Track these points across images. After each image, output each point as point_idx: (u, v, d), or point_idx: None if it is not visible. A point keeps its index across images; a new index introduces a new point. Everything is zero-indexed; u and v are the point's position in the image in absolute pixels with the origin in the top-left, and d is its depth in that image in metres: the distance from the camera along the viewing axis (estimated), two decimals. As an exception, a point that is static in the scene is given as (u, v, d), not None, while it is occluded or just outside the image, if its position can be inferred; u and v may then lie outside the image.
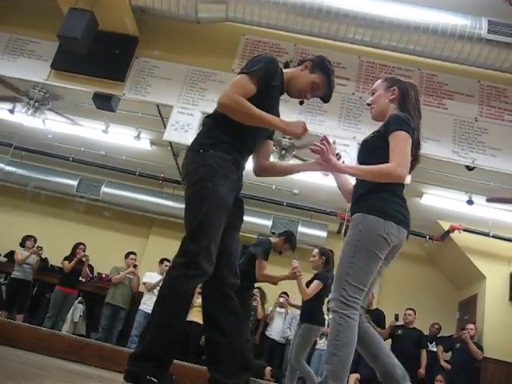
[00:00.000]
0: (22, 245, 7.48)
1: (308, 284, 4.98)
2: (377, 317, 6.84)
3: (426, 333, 7.15)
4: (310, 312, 4.86)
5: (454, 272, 8.46)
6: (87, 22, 5.07)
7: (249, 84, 2.45)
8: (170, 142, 6.24)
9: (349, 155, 5.05)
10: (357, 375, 6.24)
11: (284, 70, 2.72)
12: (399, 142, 2.35)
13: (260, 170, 2.75)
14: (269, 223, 8.15)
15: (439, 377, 6.24)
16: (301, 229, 8.08)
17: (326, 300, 4.69)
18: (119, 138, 7.19)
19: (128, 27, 5.47)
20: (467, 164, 5.18)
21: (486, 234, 7.17)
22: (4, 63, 5.64)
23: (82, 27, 5.01)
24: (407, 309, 6.93)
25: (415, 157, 2.51)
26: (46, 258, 8.06)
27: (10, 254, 8.08)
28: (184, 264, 2.29)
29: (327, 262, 4.98)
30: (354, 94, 5.34)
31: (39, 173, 8.53)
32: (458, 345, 6.71)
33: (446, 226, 7.58)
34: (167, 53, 5.55)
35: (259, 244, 5.11)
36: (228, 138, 2.47)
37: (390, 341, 6.87)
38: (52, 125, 7.23)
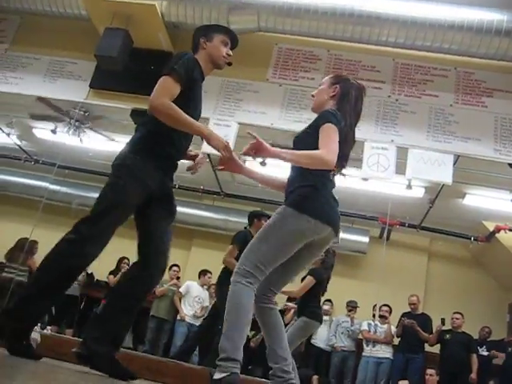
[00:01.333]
0: (69, 261, 7.64)
1: (302, 280, 5.04)
2: (423, 321, 6.71)
3: (476, 337, 6.97)
4: (304, 306, 4.95)
5: (501, 273, 8.23)
6: (122, 40, 5.19)
7: (173, 84, 2.60)
8: (209, 154, 6.29)
9: (387, 158, 5.00)
10: (406, 382, 6.14)
11: (197, 58, 2.82)
12: (327, 132, 2.44)
13: None
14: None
15: (491, 382, 6.07)
16: (342, 235, 8.01)
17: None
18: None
19: (162, 43, 5.56)
20: (510, 162, 5.05)
21: (534, 233, 6.98)
22: (45, 85, 5.80)
23: (117, 46, 5.12)
24: (454, 312, 6.77)
25: (346, 155, 2.59)
26: (91, 274, 8.21)
27: (57, 271, 8.27)
28: (71, 241, 2.55)
29: (325, 259, 5.05)
30: (389, 96, 5.28)
31: (82, 190, 8.72)
32: (510, 349, 6.52)
33: (491, 226, 7.40)
34: (201, 66, 5.61)
35: (234, 236, 5.47)
36: (154, 144, 2.65)
37: (438, 346, 6.74)
38: (92, 143, 7.40)
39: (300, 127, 5.34)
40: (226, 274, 5.13)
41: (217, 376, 2.16)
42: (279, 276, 2.51)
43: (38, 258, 8.30)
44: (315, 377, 6.56)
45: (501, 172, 5.69)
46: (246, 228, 5.53)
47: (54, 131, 7.12)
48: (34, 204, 7.45)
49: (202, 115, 5.45)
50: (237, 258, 4.93)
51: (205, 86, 5.54)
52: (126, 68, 5.33)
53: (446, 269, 8.56)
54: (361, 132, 5.20)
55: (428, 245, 8.70)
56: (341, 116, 2.53)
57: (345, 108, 2.58)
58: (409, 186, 6.46)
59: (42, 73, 5.84)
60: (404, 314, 6.84)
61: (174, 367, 3.71)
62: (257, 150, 2.42)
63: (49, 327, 6.24)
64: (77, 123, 6.71)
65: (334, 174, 2.56)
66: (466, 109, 5.14)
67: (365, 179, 5.43)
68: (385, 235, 7.18)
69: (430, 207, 7.06)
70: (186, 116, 2.54)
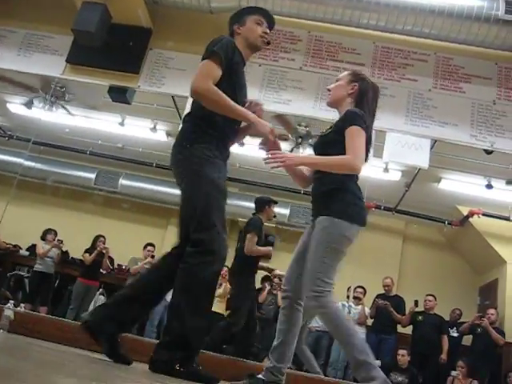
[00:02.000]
0: (43, 238, 7.57)
1: None
2: (397, 303, 6.82)
3: (447, 318, 7.11)
4: None
5: (474, 257, 8.39)
6: (100, 15, 5.10)
7: (214, 68, 2.51)
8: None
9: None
10: (378, 362, 6.24)
11: (236, 43, 2.73)
12: (354, 136, 2.48)
13: None
14: (286, 212, 8.16)
15: (460, 362, 6.20)
16: (318, 217, 8.08)
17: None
18: (135, 130, 7.23)
19: (141, 19, 5.47)
20: (486, 148, 5.12)
21: (506, 219, 7.09)
22: (20, 59, 5.68)
23: (95, 20, 5.03)
24: (427, 295, 6.89)
25: (366, 153, 2.61)
26: (66, 251, 8.15)
27: (32, 248, 8.20)
28: (199, 252, 2.36)
29: None
30: (369, 79, 5.29)
31: (58, 167, 8.62)
32: (479, 330, 6.66)
33: (464, 210, 7.51)
34: (181, 44, 5.55)
35: (248, 223, 5.24)
36: (209, 129, 2.54)
37: (410, 327, 6.86)
38: (69, 119, 7.29)
39: (279, 108, 5.39)
40: (242, 262, 5.05)
41: None
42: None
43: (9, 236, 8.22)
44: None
45: (476, 157, 5.77)
46: (254, 214, 5.38)
47: (28, 106, 6.99)
48: (7, 180, 7.35)
49: (181, 93, 5.47)
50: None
51: (184, 63, 5.54)
52: (104, 44, 5.24)
53: (420, 252, 8.69)
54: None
55: (403, 228, 8.81)
56: (365, 116, 2.56)
57: (363, 107, 2.61)
58: (386, 170, 6.53)
59: (17, 46, 5.72)
60: (378, 296, 6.94)
61: (150, 346, 3.72)
62: (282, 163, 2.47)
63: (22, 304, 6.19)
64: (52, 98, 6.59)
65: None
66: (444, 94, 5.18)
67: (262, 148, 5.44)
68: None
69: (406, 191, 7.13)
70: (230, 101, 2.48)
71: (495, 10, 4.75)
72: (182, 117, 2.75)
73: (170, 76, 5.45)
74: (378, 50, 5.41)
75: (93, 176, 8.53)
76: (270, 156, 2.51)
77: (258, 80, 5.33)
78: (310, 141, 6.05)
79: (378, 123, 5.16)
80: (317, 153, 2.68)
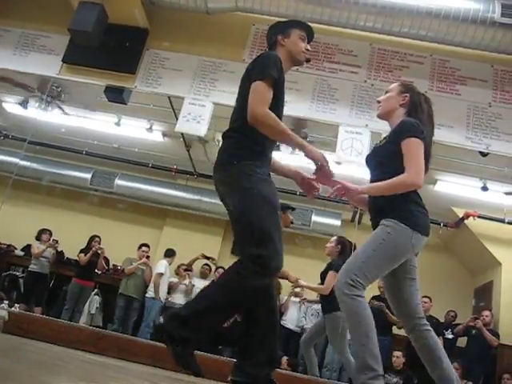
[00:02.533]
0: (38, 238, 7.56)
1: (323, 274, 4.99)
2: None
3: (442, 320, 7.12)
4: (330, 302, 4.80)
5: (469, 259, 8.41)
6: (97, 15, 5.09)
7: (268, 91, 2.48)
8: (182, 134, 6.26)
9: (361, 143, 5.03)
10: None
11: (278, 54, 2.68)
12: (412, 148, 2.47)
13: None
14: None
15: (455, 364, 6.20)
16: (314, 218, 8.09)
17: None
18: (131, 130, 7.22)
19: (138, 19, 5.47)
20: (481, 150, 5.13)
21: (501, 221, 7.12)
22: (16, 58, 5.67)
23: (92, 20, 5.02)
24: (423, 296, 6.87)
25: (426, 165, 2.60)
26: (61, 251, 8.14)
27: (27, 248, 8.18)
28: (256, 266, 2.32)
29: (342, 251, 4.99)
30: (365, 81, 5.30)
31: (53, 167, 8.60)
32: (473, 331, 6.68)
33: (460, 212, 7.53)
34: (178, 44, 5.54)
35: None
36: (255, 146, 2.51)
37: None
38: (65, 119, 7.27)
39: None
40: None
41: None
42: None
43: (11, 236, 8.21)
44: (284, 358, 6.62)
45: (472, 160, 5.78)
46: None
47: (24, 106, 6.97)
48: (3, 180, 7.32)
49: (177, 93, 5.46)
50: None
51: (180, 64, 5.54)
52: (100, 44, 5.24)
53: (415, 253, 8.69)
54: (335, 116, 5.24)
55: (398, 229, 8.81)
56: (422, 128, 2.55)
57: (420, 118, 2.60)
58: (382, 171, 6.52)
59: (13, 46, 5.70)
60: (373, 297, 6.95)
61: (144, 346, 3.71)
62: (344, 193, 2.49)
63: (17, 305, 6.17)
64: (49, 98, 6.58)
65: None
66: (440, 96, 5.18)
67: (338, 163, 5.46)
68: (357, 219, 7.25)
69: (402, 192, 7.13)
70: (286, 127, 2.48)
71: (491, 12, 4.77)
72: (222, 134, 2.68)
73: (167, 76, 5.44)
74: (374, 52, 5.42)
75: (88, 176, 8.52)
76: (333, 191, 2.52)
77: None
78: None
79: (375, 125, 5.20)
80: (371, 163, 2.67)
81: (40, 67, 5.65)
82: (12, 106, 7.39)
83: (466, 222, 7.47)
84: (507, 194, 6.41)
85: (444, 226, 7.82)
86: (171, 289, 7.57)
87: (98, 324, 7.39)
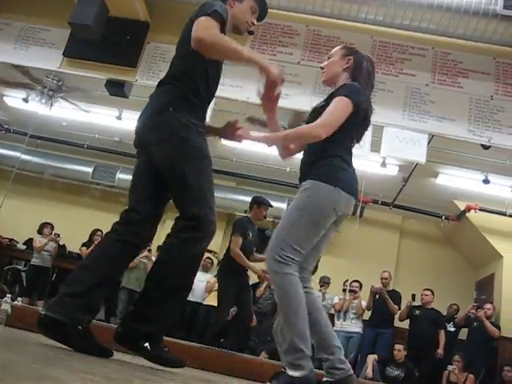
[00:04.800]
0: (40, 232, 7.58)
1: None
2: (393, 297, 6.84)
3: (444, 313, 7.14)
4: None
5: (470, 252, 8.42)
6: (98, 8, 5.07)
7: (215, 26, 2.32)
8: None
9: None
10: (374, 356, 6.27)
11: None
12: (336, 105, 2.34)
13: None
14: (284, 206, 8.15)
15: (457, 357, 6.23)
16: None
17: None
18: (133, 124, 7.17)
19: (139, 12, 5.45)
20: (483, 143, 5.12)
21: (503, 214, 7.12)
22: (17, 52, 5.66)
23: (93, 14, 5.01)
24: (425, 289, 6.91)
25: (364, 126, 2.49)
26: (63, 245, 8.16)
27: (29, 242, 8.20)
28: (192, 227, 2.30)
29: None
30: (367, 74, 5.28)
31: (55, 160, 8.61)
32: (475, 323, 6.70)
33: (461, 205, 7.54)
34: (178, 37, 5.51)
35: (234, 224, 5.32)
36: (194, 98, 2.44)
37: (407, 321, 6.89)
38: (66, 112, 7.27)
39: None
40: (228, 262, 5.13)
41: (295, 374, 2.11)
42: (314, 254, 2.41)
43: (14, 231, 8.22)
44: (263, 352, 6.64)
45: (473, 152, 5.78)
46: (246, 212, 5.44)
47: (26, 100, 6.98)
48: (4, 174, 7.34)
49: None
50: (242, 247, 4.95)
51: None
52: (101, 37, 5.22)
53: (417, 246, 8.71)
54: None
55: (400, 222, 8.83)
56: (363, 91, 2.44)
57: (359, 80, 2.47)
58: (383, 164, 6.53)
59: (14, 39, 5.69)
60: (374, 289, 6.94)
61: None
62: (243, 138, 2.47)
63: (20, 298, 6.19)
64: (50, 92, 6.57)
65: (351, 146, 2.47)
66: (441, 89, 5.17)
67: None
68: (358, 212, 7.25)
69: (404, 185, 7.15)
70: (239, 45, 2.34)
71: (493, 4, 4.74)
72: (158, 82, 2.62)
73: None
74: (376, 45, 5.40)
75: (90, 170, 8.53)
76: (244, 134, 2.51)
77: (255, 74, 5.29)
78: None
79: (376, 118, 5.18)
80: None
81: (41, 61, 5.64)
82: (13, 100, 7.39)
83: (467, 214, 7.47)
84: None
85: (446, 218, 7.84)
86: None
87: (100, 317, 7.41)
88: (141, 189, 2.51)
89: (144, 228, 2.44)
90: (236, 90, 5.21)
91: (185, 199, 2.37)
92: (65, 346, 2.21)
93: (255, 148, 6.70)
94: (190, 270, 2.37)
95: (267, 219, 6.68)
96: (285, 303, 2.20)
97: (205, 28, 2.29)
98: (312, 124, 2.34)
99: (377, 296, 6.87)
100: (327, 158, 2.35)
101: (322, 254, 2.54)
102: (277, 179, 7.88)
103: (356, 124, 2.42)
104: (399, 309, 6.83)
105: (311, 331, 2.21)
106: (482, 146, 5.18)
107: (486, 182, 6.63)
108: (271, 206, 5.41)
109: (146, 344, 2.25)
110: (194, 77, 2.44)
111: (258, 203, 5.27)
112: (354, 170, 2.42)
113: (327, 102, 2.43)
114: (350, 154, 2.45)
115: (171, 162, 2.37)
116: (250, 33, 2.76)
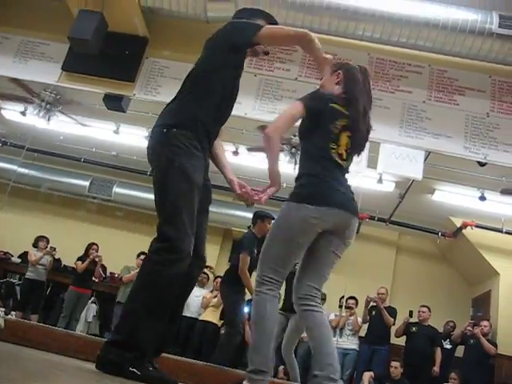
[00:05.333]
0: (35, 245, 7.54)
1: None
2: (389, 314, 6.80)
3: (440, 329, 7.11)
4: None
5: (467, 269, 8.41)
6: (97, 23, 5.10)
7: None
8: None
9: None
10: (370, 373, 6.23)
11: None
12: (289, 107, 2.46)
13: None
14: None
15: (453, 374, 6.19)
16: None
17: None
18: (130, 138, 7.22)
19: (137, 28, 5.49)
20: (479, 160, 5.14)
21: (499, 231, 7.12)
22: (16, 66, 5.68)
23: (91, 28, 5.03)
24: (421, 306, 6.87)
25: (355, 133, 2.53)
26: (59, 259, 8.12)
27: (24, 255, 8.16)
28: (165, 249, 2.28)
29: None
30: (364, 91, 5.31)
31: (51, 174, 8.60)
32: (471, 341, 6.66)
33: (458, 222, 7.54)
34: (177, 53, 5.56)
35: (240, 241, 5.30)
36: (198, 111, 2.45)
37: (403, 338, 6.85)
38: (63, 126, 7.28)
39: (274, 118, 5.38)
40: (232, 273, 5.11)
41: None
42: (313, 271, 2.43)
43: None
44: (281, 367, 6.58)
45: (470, 169, 5.80)
46: (249, 227, 5.40)
47: (23, 113, 6.98)
48: (1, 187, 7.32)
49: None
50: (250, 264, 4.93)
51: (179, 72, 5.50)
52: (99, 52, 5.24)
53: (413, 263, 8.70)
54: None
55: (396, 239, 8.82)
56: (321, 94, 2.53)
57: (351, 91, 2.52)
58: (380, 181, 6.54)
59: (13, 53, 5.71)
60: (370, 303, 6.89)
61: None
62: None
63: (13, 312, 6.16)
64: (48, 106, 6.59)
65: (338, 159, 2.43)
66: (438, 106, 5.21)
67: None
68: (360, 230, 7.25)
69: (400, 202, 7.15)
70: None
71: (489, 23, 4.80)
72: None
73: (166, 85, 5.45)
74: (372, 62, 5.44)
75: (86, 184, 8.52)
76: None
77: (253, 90, 5.35)
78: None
79: (373, 134, 5.20)
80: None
81: (39, 75, 5.66)
82: (11, 113, 7.40)
83: (463, 231, 7.48)
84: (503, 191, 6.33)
85: (442, 235, 7.84)
86: None
87: (94, 332, 7.36)
88: None
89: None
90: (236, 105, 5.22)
91: (160, 217, 2.39)
92: (59, 361, 2.19)
93: (252, 163, 6.72)
94: (167, 289, 2.30)
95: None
96: (254, 318, 2.28)
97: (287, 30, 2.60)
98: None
99: (373, 312, 6.84)
100: (298, 180, 2.43)
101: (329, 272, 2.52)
102: (275, 195, 7.87)
103: (318, 128, 2.43)
104: (394, 324, 6.80)
105: (314, 350, 2.36)
106: (478, 162, 5.20)
107: (483, 198, 6.63)
108: (274, 219, 5.39)
109: (135, 370, 2.18)
110: (205, 94, 2.50)
111: (262, 217, 5.24)
112: (330, 180, 2.38)
113: None
114: (328, 164, 2.40)
115: (156, 182, 2.44)
116: (266, 53, 2.79)
